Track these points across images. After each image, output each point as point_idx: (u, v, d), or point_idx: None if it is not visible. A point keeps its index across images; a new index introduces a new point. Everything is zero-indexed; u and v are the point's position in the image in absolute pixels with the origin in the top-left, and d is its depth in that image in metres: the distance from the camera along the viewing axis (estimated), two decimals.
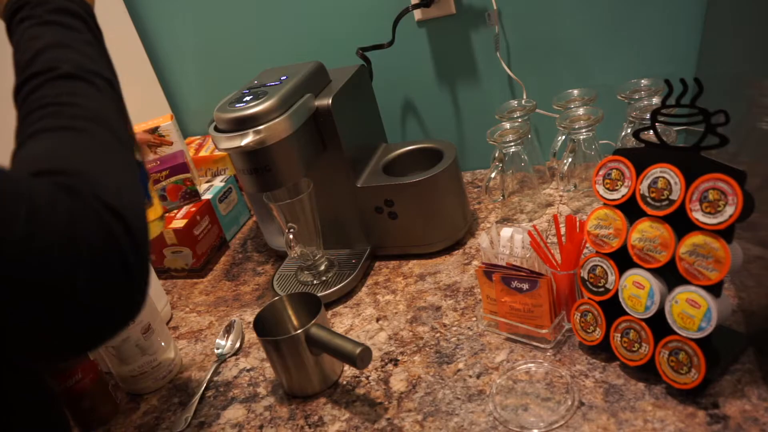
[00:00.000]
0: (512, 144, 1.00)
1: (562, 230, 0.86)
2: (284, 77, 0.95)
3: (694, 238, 0.64)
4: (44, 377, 0.62)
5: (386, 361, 0.86)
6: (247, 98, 0.90)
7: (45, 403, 0.60)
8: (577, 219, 0.80)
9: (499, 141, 1.00)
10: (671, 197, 0.66)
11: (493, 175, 1.02)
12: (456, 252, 1.03)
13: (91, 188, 0.46)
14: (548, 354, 0.79)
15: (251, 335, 0.99)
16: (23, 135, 0.51)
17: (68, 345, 0.46)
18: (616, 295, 0.73)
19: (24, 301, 0.42)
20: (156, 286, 1.06)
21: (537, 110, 1.08)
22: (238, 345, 0.97)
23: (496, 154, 1.03)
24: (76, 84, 0.54)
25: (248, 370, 0.92)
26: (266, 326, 0.86)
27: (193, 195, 1.21)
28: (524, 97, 1.15)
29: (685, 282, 0.66)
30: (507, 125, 1.03)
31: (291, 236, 0.96)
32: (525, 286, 0.78)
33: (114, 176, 0.50)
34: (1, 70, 1.03)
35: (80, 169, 0.48)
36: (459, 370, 0.81)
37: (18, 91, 0.54)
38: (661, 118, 0.69)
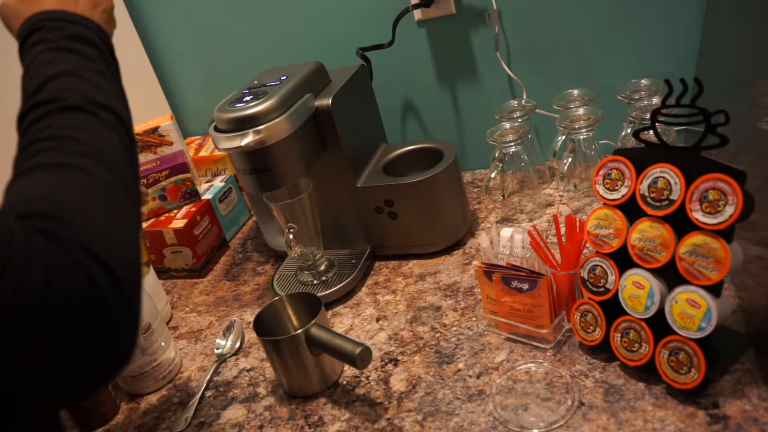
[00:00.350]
0: (512, 144, 1.00)
1: (562, 230, 0.86)
2: (284, 77, 0.95)
3: (694, 238, 0.64)
4: None
5: (386, 361, 0.86)
6: (247, 98, 0.90)
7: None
8: (577, 219, 0.80)
9: (499, 141, 1.00)
10: (671, 197, 0.66)
11: (493, 175, 1.02)
12: (456, 252, 1.03)
13: (76, 235, 0.43)
14: (548, 354, 0.79)
15: (251, 335, 0.99)
16: (20, 167, 0.48)
17: (45, 396, 0.43)
18: (616, 295, 0.73)
19: None
20: (156, 286, 1.06)
21: (537, 110, 1.08)
22: (238, 345, 0.97)
23: (496, 154, 1.03)
24: (82, 117, 0.51)
25: (248, 370, 0.92)
26: (266, 326, 0.86)
27: (193, 195, 1.22)
28: (524, 97, 1.15)
29: (685, 282, 0.66)
30: (507, 125, 1.03)
31: (291, 236, 0.96)
32: (525, 286, 0.78)
33: (107, 223, 0.46)
34: (2, 76, 1.03)
35: (67, 214, 0.44)
36: (459, 370, 0.81)
37: (21, 119, 0.52)
38: (661, 118, 0.69)
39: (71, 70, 0.53)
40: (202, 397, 0.89)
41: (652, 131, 0.69)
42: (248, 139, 0.86)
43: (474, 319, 0.88)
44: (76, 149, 0.49)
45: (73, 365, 0.42)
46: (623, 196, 0.71)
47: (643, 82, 0.98)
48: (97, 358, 0.44)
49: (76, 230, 0.44)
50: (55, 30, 0.55)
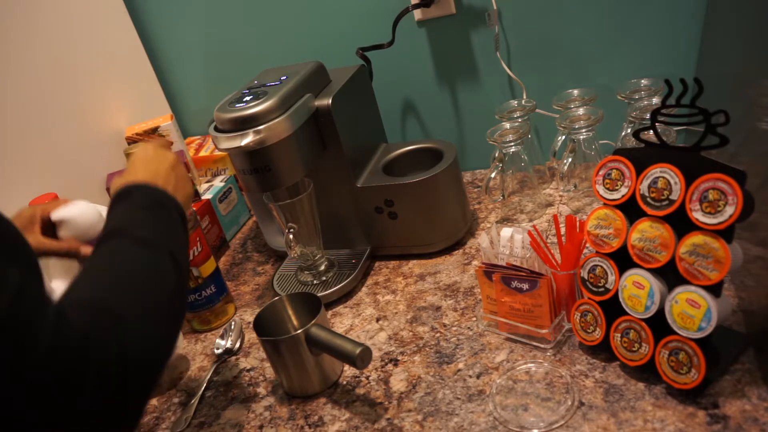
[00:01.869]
0: (512, 144, 1.00)
1: (562, 230, 0.86)
2: (284, 77, 0.95)
3: (694, 238, 0.64)
4: None
5: (386, 361, 0.86)
6: (247, 98, 0.90)
7: None
8: (577, 219, 0.80)
9: (499, 141, 1.00)
10: (671, 197, 0.66)
11: (493, 175, 1.02)
12: (456, 252, 1.03)
13: (120, 328, 0.51)
14: (548, 354, 0.79)
15: (251, 335, 0.99)
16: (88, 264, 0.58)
17: None
18: (616, 295, 0.73)
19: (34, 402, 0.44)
20: None
21: (537, 110, 1.08)
22: (238, 345, 0.97)
23: (496, 154, 1.03)
24: (147, 249, 0.60)
25: (248, 370, 0.92)
26: (266, 326, 0.86)
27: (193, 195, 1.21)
28: (524, 97, 1.15)
29: (685, 282, 0.66)
30: (507, 125, 1.03)
31: (291, 236, 0.96)
32: (525, 286, 0.78)
33: (147, 325, 0.54)
34: (3, 71, 1.03)
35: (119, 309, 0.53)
36: (459, 370, 0.81)
37: (98, 243, 0.61)
38: (661, 118, 0.69)
39: (146, 218, 0.65)
40: (202, 397, 0.89)
41: (652, 131, 0.69)
42: (248, 139, 0.86)
43: (474, 319, 0.88)
44: (129, 269, 0.58)
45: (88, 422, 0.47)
46: (623, 196, 0.71)
47: (643, 82, 0.98)
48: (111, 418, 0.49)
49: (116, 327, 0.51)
50: (139, 195, 0.68)
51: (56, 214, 0.79)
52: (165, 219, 0.66)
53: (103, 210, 0.82)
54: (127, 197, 0.66)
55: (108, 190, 0.79)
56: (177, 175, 0.73)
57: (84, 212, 0.80)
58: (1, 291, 0.43)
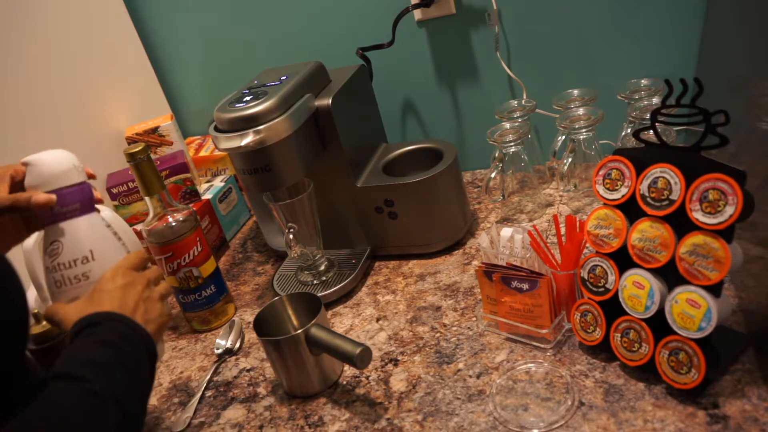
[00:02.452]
0: (512, 144, 1.00)
1: (562, 230, 0.86)
2: (284, 77, 0.95)
3: (694, 238, 0.64)
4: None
5: (386, 361, 0.86)
6: (247, 98, 0.90)
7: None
8: (577, 219, 0.80)
9: (499, 141, 1.00)
10: (671, 197, 0.66)
11: (493, 175, 1.02)
12: (456, 252, 1.03)
13: None
14: (548, 354, 0.79)
15: (251, 335, 0.99)
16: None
17: None
18: (616, 295, 0.73)
19: None
20: None
21: (537, 110, 1.08)
22: (238, 345, 0.97)
23: (496, 154, 1.03)
24: (95, 403, 0.57)
25: (248, 370, 0.92)
26: (266, 326, 0.86)
27: (193, 195, 1.21)
28: (524, 97, 1.15)
29: (685, 282, 0.66)
30: (507, 125, 1.03)
31: (291, 236, 0.96)
32: (525, 286, 0.78)
33: None
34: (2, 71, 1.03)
35: None
36: (459, 370, 0.81)
37: (54, 375, 0.59)
38: (661, 118, 0.69)
39: (107, 361, 0.61)
40: (202, 397, 0.89)
41: (652, 131, 0.69)
42: (248, 139, 0.86)
43: (474, 319, 0.88)
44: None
45: None
46: (623, 196, 0.71)
47: (643, 82, 0.98)
48: None
49: None
50: (106, 328, 0.65)
51: (25, 158, 0.73)
52: (127, 358, 0.63)
53: (79, 164, 0.75)
54: (94, 326, 0.64)
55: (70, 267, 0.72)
56: (148, 305, 0.71)
57: (50, 160, 0.73)
58: None
